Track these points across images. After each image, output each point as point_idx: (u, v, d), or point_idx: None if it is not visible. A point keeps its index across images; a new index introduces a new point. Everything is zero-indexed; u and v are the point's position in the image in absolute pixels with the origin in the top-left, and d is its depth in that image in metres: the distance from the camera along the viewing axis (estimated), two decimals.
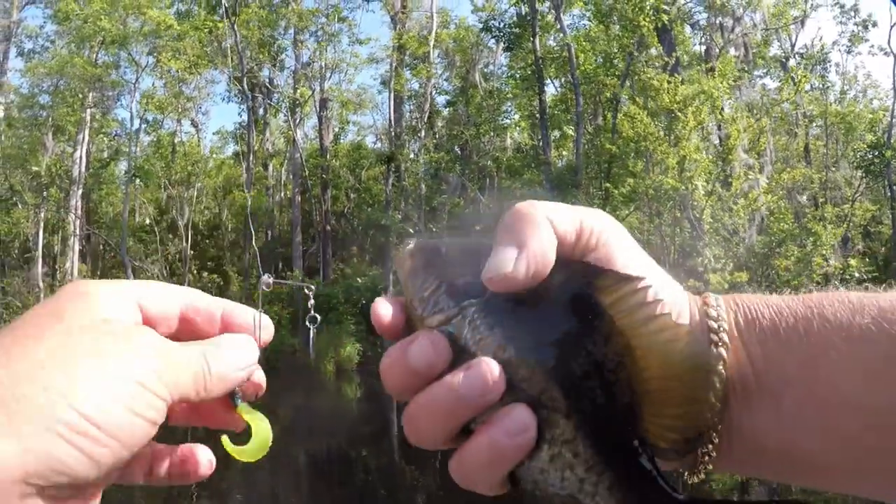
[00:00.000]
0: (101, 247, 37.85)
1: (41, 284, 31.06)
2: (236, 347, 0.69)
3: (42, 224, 33.92)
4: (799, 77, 30.48)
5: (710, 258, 23.51)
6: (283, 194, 38.10)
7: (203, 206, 38.05)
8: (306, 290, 0.77)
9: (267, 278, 0.77)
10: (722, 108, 25.13)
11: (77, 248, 35.74)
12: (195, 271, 33.20)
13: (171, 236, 35.53)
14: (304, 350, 28.91)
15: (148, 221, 37.27)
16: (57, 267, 35.12)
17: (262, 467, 12.77)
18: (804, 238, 24.03)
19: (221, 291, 32.10)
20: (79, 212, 35.51)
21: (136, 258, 32.48)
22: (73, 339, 0.58)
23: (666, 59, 26.39)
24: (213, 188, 38.79)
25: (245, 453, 0.70)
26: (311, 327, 0.77)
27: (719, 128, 25.90)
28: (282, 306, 29.46)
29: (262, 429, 0.71)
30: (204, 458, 0.72)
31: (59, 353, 0.57)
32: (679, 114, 23.95)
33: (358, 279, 31.35)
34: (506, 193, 34.15)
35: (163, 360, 0.60)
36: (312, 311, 0.76)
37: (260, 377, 0.73)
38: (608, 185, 26.61)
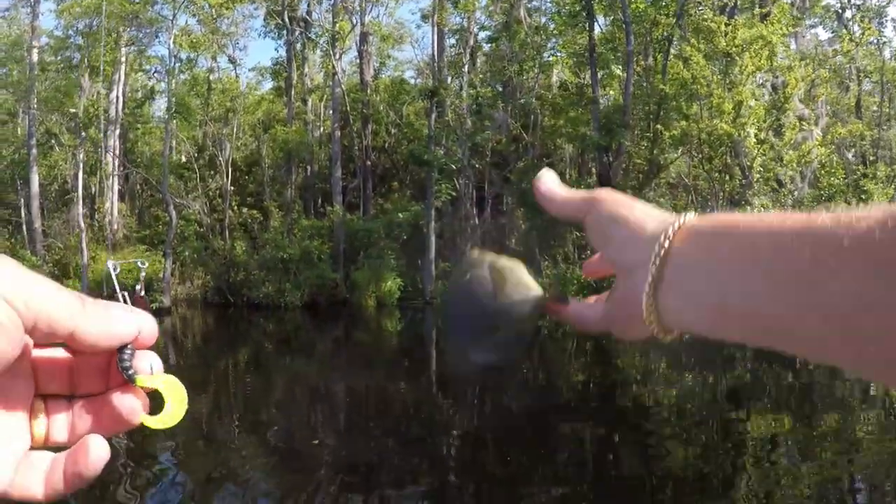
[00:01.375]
0: (139, 186, 38.25)
1: (82, 224, 31.44)
2: (119, 305, 0.66)
3: (81, 165, 34.29)
4: (863, 29, 29.69)
5: (759, 208, 23.27)
6: (322, 130, 38.05)
7: (241, 143, 38.17)
8: (139, 265, 0.75)
9: (113, 265, 0.74)
10: (776, 56, 24.60)
11: (116, 187, 36.16)
12: (235, 207, 33.41)
13: (211, 172, 35.74)
14: (344, 284, 29.14)
15: (184, 159, 37.50)
16: (96, 207, 35.57)
17: (300, 401, 12.96)
18: (850, 195, 23.69)
19: (262, 226, 32.35)
20: (117, 151, 35.83)
21: (176, 195, 32.78)
22: None
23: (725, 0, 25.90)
24: (250, 124, 38.85)
25: (164, 419, 0.67)
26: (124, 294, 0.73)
27: (775, 76, 25.38)
28: (322, 241, 29.64)
29: (173, 388, 0.68)
30: (95, 448, 0.63)
31: None
32: (737, 58, 23.50)
33: (399, 214, 31.39)
34: (549, 132, 33.81)
35: (23, 279, 0.56)
36: (142, 287, 0.72)
37: (155, 358, 0.68)
38: (659, 126, 26.21)
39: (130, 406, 0.65)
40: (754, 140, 23.70)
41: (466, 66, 33.23)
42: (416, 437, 9.93)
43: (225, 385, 14.43)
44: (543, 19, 34.53)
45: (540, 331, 21.85)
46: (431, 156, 29.48)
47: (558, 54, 34.60)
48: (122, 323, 0.63)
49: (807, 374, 14.98)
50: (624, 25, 28.14)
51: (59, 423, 0.65)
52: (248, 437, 9.88)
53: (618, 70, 31.35)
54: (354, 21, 35.85)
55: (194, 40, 35.64)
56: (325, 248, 29.53)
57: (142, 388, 0.65)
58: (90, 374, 0.67)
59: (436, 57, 33.30)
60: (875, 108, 35.47)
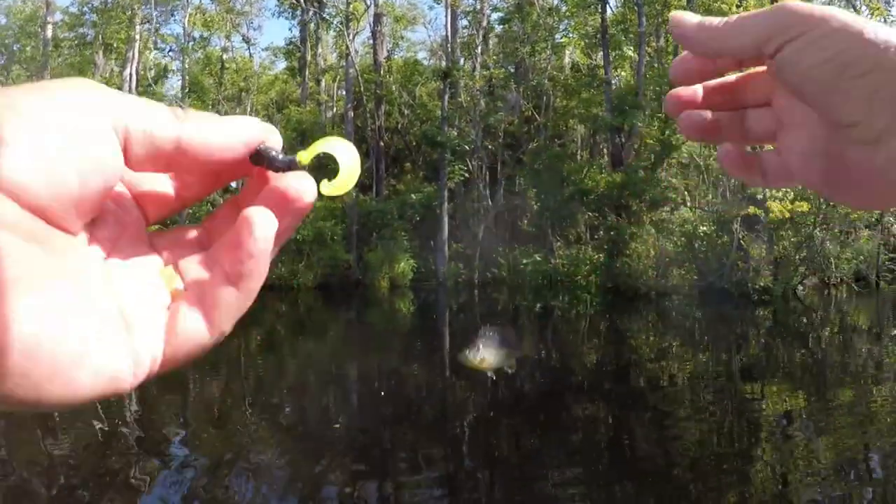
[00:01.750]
0: None
1: None
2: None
3: None
4: (871, 10, 29.63)
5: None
6: (335, 110, 38.07)
7: None
8: None
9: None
10: None
11: None
12: None
13: None
14: (357, 266, 29.19)
15: None
16: None
17: (313, 383, 13.04)
18: None
19: None
20: None
21: None
22: None
23: None
24: (264, 104, 38.90)
25: (340, 184, 0.53)
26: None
27: None
28: (335, 222, 29.68)
29: (342, 150, 0.54)
30: (259, 218, 0.48)
31: None
32: None
33: (412, 195, 31.41)
34: (562, 113, 33.73)
35: (105, 88, 0.46)
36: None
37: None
38: None
39: (297, 183, 0.51)
40: None
41: (480, 48, 33.17)
42: (429, 418, 9.99)
43: (237, 367, 14.51)
44: (556, 1, 34.38)
45: (553, 311, 21.92)
46: (444, 137, 29.47)
47: (570, 35, 34.48)
48: (239, 122, 0.50)
49: (820, 350, 15.04)
50: (636, 7, 28.04)
51: (197, 268, 0.51)
52: (259, 420, 9.95)
53: (629, 51, 31.27)
54: (368, 1, 35.78)
55: (208, 19, 35.77)
56: (337, 229, 29.56)
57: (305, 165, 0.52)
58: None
59: (449, 38, 33.22)
60: None
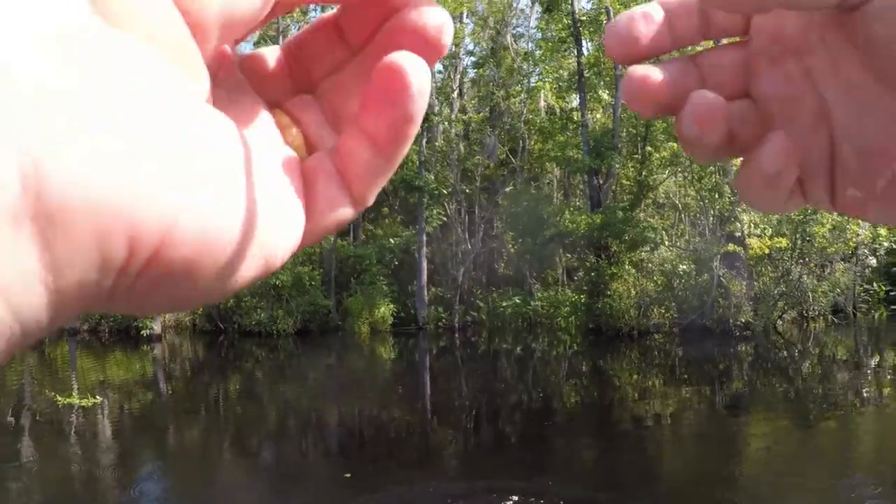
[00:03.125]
0: None
1: None
2: None
3: None
4: None
5: (749, 224, 23.54)
6: None
7: None
8: None
9: None
10: None
11: None
12: None
13: None
14: (336, 311, 29.05)
15: None
16: None
17: (292, 428, 12.89)
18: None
19: None
20: None
21: None
22: None
23: None
24: None
25: None
26: None
27: None
28: (312, 268, 29.57)
29: None
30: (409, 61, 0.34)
31: None
32: None
33: (390, 240, 31.38)
34: (537, 156, 33.96)
35: None
36: None
37: None
38: (649, 148, 26.42)
39: (435, 15, 0.37)
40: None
41: (456, 92, 33.42)
42: (411, 463, 9.88)
43: (217, 413, 14.34)
44: (530, 45, 34.76)
45: (534, 353, 21.87)
46: (422, 181, 29.55)
47: (544, 80, 34.77)
48: None
49: (802, 382, 15.07)
50: None
51: (317, 122, 0.40)
52: (237, 467, 9.81)
53: (604, 94, 31.59)
54: None
55: None
56: (316, 275, 29.42)
57: None
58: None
59: None
60: None
